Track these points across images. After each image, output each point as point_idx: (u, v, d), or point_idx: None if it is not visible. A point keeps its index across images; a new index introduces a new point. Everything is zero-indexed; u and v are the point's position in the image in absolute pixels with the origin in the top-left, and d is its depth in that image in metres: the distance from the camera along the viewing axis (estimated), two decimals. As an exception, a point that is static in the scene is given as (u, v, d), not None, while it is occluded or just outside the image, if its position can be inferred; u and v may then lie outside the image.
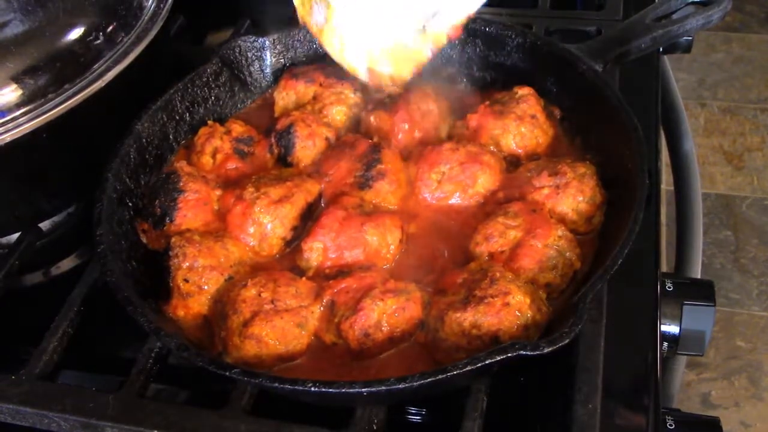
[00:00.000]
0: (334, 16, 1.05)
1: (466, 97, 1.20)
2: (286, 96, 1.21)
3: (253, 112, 1.25)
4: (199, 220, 1.04)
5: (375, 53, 1.06)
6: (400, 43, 1.06)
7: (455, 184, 1.06)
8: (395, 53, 1.06)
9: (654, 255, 1.05)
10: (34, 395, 0.93)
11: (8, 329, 1.12)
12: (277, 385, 0.82)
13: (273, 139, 1.13)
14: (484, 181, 1.06)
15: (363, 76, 1.08)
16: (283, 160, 1.13)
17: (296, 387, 0.80)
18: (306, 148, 1.12)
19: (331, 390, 0.80)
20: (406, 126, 1.13)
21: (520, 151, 1.11)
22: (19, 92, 1.00)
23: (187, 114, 1.17)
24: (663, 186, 1.39)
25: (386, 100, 1.16)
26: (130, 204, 1.05)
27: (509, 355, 0.78)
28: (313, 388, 0.79)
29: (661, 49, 1.37)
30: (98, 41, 1.08)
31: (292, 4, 1.08)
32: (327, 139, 1.13)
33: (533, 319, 0.87)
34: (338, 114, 1.18)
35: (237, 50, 1.21)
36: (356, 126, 1.19)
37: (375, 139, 1.11)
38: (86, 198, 1.04)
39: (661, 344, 0.99)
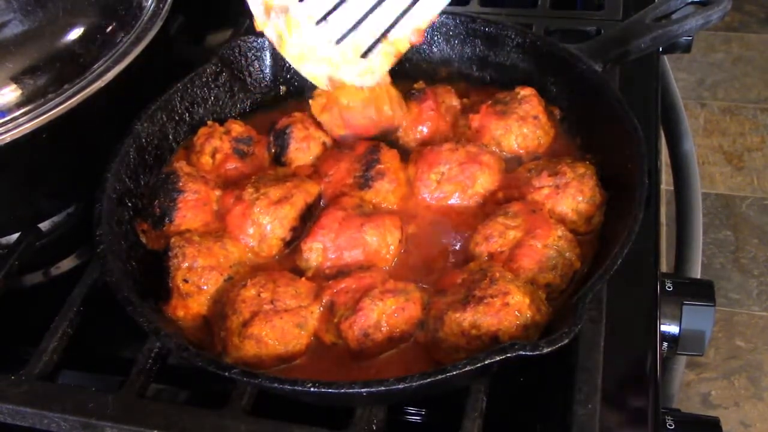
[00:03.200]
0: (294, 26, 1.06)
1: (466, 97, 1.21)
2: None
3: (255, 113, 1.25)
4: (199, 220, 1.04)
5: (335, 61, 1.06)
6: (360, 51, 1.06)
7: (454, 185, 1.06)
8: (356, 62, 1.06)
9: (654, 255, 1.05)
10: (34, 395, 0.93)
11: (8, 329, 1.12)
12: (276, 385, 0.82)
13: (271, 138, 1.14)
14: (484, 181, 1.06)
15: (323, 85, 1.09)
16: (278, 159, 1.13)
17: (296, 387, 0.80)
18: (299, 150, 1.12)
19: (330, 390, 0.80)
20: (432, 113, 1.14)
21: (521, 151, 1.11)
22: (19, 92, 1.00)
23: (187, 114, 1.17)
24: (663, 186, 1.39)
25: (413, 92, 1.17)
26: (130, 204, 1.05)
27: (509, 355, 0.78)
28: (312, 388, 0.79)
29: (661, 49, 1.37)
30: (98, 41, 1.08)
31: (250, 12, 1.08)
32: (324, 143, 1.14)
33: (533, 320, 0.87)
34: None
35: (237, 50, 1.21)
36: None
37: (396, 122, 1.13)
38: (86, 198, 1.04)
39: (661, 344, 0.99)
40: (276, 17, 1.06)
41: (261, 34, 1.23)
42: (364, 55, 1.06)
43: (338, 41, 1.05)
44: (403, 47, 1.06)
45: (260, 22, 1.08)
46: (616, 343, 0.94)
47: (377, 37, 1.05)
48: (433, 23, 1.23)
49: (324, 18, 1.05)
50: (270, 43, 1.23)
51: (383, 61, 1.07)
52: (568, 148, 1.13)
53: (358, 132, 1.12)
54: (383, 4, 1.04)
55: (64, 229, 1.23)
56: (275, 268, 1.00)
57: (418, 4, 1.04)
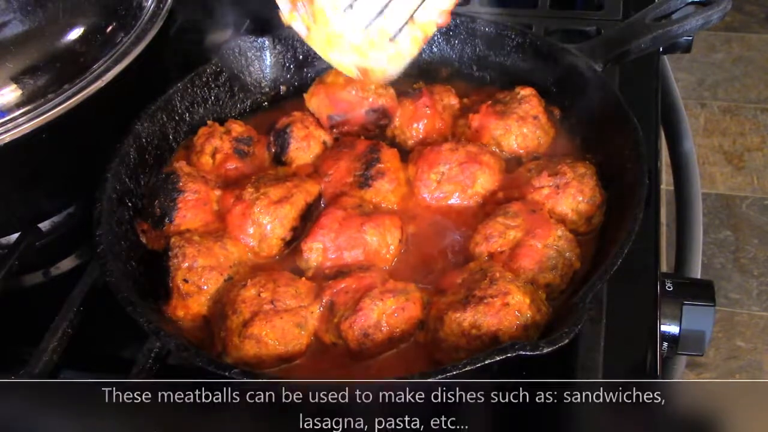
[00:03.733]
0: (320, 15, 1.06)
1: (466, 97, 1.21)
2: None
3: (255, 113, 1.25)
4: (199, 220, 1.04)
5: (363, 48, 1.06)
6: (388, 36, 1.05)
7: (455, 185, 1.06)
8: (384, 47, 1.06)
9: (654, 255, 1.05)
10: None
11: (8, 329, 1.12)
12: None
13: (271, 137, 1.14)
14: (484, 181, 1.06)
15: (353, 74, 1.09)
16: (278, 158, 1.13)
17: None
18: (300, 149, 1.12)
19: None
20: (428, 110, 1.14)
21: (521, 151, 1.11)
22: (19, 92, 1.00)
23: (187, 114, 1.17)
24: (663, 186, 1.39)
25: (410, 90, 1.17)
26: (130, 204, 1.05)
27: (509, 355, 0.78)
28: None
29: (661, 49, 1.38)
30: (98, 41, 1.08)
31: (276, 6, 1.08)
32: (324, 143, 1.14)
33: (533, 320, 0.87)
34: None
35: (237, 50, 1.22)
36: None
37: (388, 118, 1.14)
38: (86, 198, 1.04)
39: (661, 344, 0.99)
40: (302, 8, 1.06)
41: (261, 34, 1.23)
42: (392, 39, 1.06)
43: (366, 27, 1.05)
44: (431, 30, 1.06)
45: (287, 16, 1.08)
46: (616, 343, 0.94)
47: (404, 20, 1.04)
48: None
49: (350, 5, 1.05)
50: (271, 43, 1.23)
51: (411, 45, 1.07)
52: (568, 148, 1.13)
53: (345, 111, 1.13)
54: None
55: (64, 229, 1.23)
56: (275, 268, 1.00)
57: None
